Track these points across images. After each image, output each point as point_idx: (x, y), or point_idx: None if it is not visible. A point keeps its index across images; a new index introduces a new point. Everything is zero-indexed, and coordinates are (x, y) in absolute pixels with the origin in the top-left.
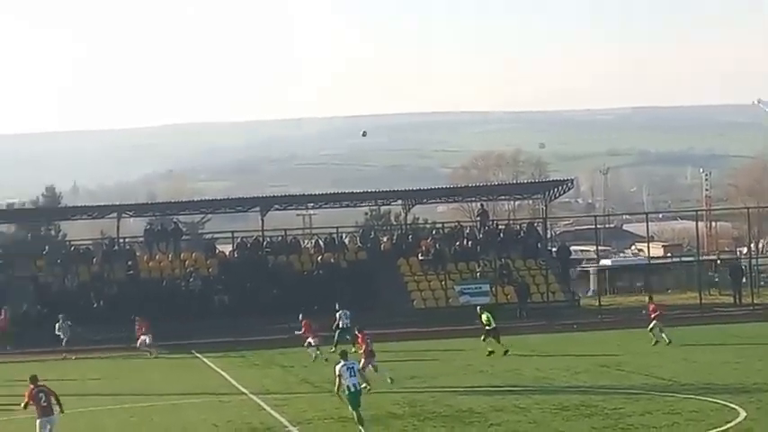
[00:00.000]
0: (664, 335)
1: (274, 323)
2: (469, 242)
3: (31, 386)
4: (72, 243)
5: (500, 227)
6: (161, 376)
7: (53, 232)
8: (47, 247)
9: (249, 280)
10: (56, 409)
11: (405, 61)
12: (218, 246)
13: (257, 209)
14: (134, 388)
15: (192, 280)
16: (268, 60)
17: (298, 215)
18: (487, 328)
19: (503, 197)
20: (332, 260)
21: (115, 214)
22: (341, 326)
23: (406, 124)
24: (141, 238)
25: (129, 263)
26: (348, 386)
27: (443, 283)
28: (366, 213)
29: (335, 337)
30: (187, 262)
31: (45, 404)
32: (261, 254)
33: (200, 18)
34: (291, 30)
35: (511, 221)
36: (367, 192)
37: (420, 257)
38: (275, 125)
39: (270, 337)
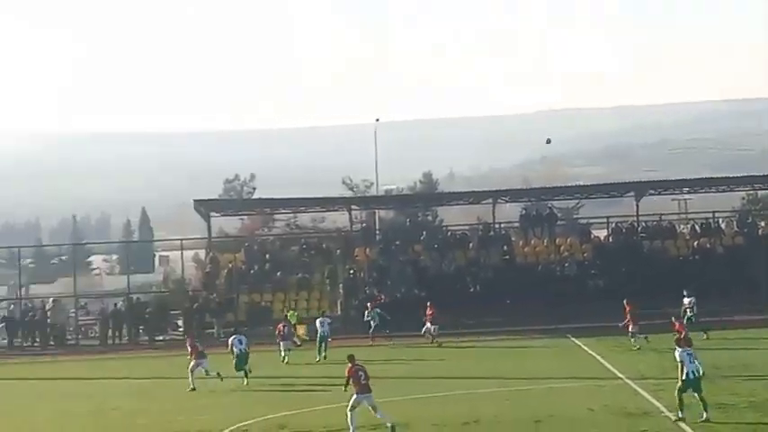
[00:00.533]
0: None
1: (649, 308)
2: None
3: (350, 365)
4: (449, 228)
5: None
6: (537, 360)
7: (430, 217)
8: (424, 233)
9: (624, 265)
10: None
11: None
12: (592, 231)
13: (632, 194)
14: (510, 372)
15: (566, 265)
16: (641, 44)
17: (673, 200)
18: None
19: None
20: (708, 245)
21: (491, 200)
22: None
23: None
24: (516, 224)
25: (505, 248)
26: (688, 372)
27: None
28: (743, 198)
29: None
30: (562, 247)
31: (364, 382)
32: (636, 239)
33: None
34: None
35: None
36: (743, 176)
37: None
38: (646, 110)
39: (646, 322)
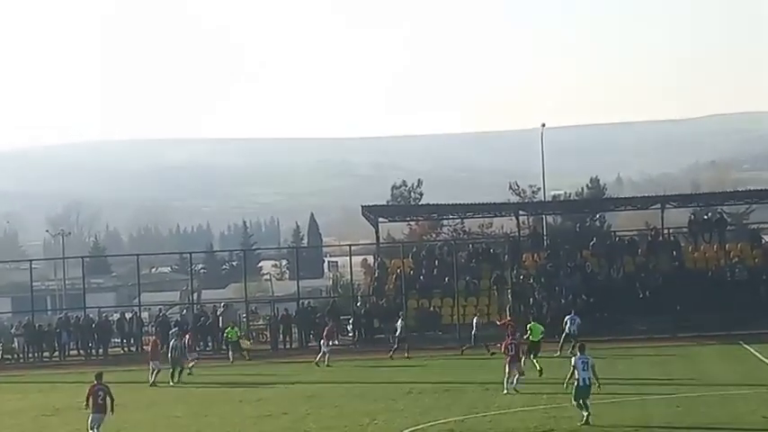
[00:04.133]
0: None
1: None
2: None
3: (93, 384)
4: (617, 233)
5: None
6: (708, 367)
7: (598, 223)
8: (593, 238)
9: None
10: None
11: None
12: (763, 236)
13: None
14: (680, 377)
15: (737, 270)
16: None
17: None
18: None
19: None
20: None
21: (659, 205)
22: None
23: None
24: (685, 229)
25: (674, 253)
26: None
27: None
28: None
29: None
30: (732, 253)
31: (101, 402)
32: None
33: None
34: None
35: None
36: None
37: None
38: None
39: None
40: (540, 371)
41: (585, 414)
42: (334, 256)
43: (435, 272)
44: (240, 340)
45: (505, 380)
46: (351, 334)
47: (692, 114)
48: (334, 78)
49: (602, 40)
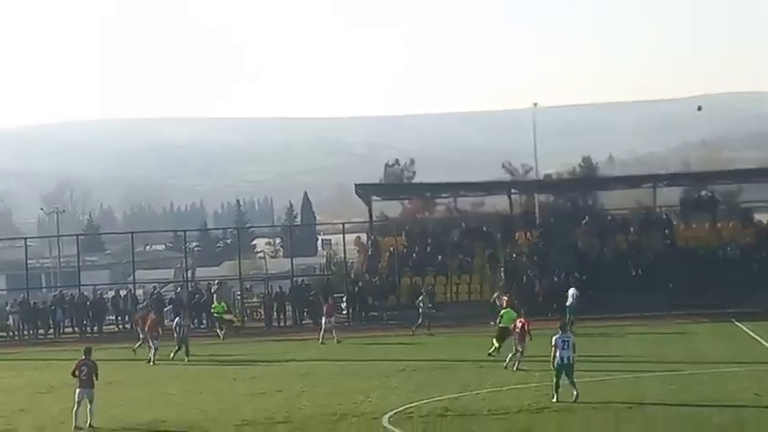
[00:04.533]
0: None
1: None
2: None
3: (80, 359)
4: (609, 212)
5: None
6: (701, 345)
7: (590, 201)
8: (585, 217)
9: None
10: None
11: None
12: (755, 215)
13: None
14: (673, 356)
15: (729, 249)
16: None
17: None
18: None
19: None
20: None
21: (651, 184)
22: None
23: None
24: (677, 208)
25: (666, 231)
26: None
27: None
28: None
29: None
30: (724, 231)
31: (85, 378)
32: None
33: None
34: None
35: None
36: None
37: None
38: None
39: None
40: (497, 349)
41: (565, 392)
42: (328, 234)
43: (428, 249)
44: (225, 314)
45: (511, 355)
46: (344, 311)
47: (681, 94)
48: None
49: (595, 20)
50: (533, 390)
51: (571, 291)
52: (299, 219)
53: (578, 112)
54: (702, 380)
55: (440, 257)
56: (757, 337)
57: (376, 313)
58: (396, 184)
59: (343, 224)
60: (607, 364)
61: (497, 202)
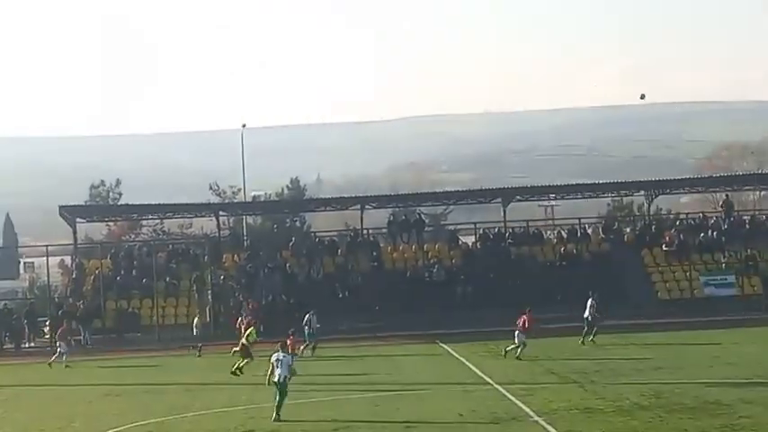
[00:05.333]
0: None
1: (517, 314)
2: (714, 233)
3: None
4: (317, 234)
5: (745, 218)
6: (406, 366)
7: (298, 223)
8: (293, 239)
9: (492, 271)
10: None
11: (643, 52)
12: (460, 237)
13: (499, 200)
14: (380, 377)
15: (435, 271)
16: (511, 51)
17: (540, 206)
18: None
19: (747, 187)
20: (575, 251)
21: (359, 206)
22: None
23: (648, 115)
24: (385, 230)
25: (374, 253)
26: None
27: (688, 274)
28: (608, 204)
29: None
30: (430, 253)
31: None
32: (503, 245)
33: (432, 9)
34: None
35: (756, 212)
36: (609, 182)
37: (664, 248)
38: (515, 117)
39: (513, 328)
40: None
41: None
42: (31, 256)
43: (134, 273)
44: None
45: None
46: (47, 336)
47: (389, 116)
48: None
49: (306, 42)
50: (241, 412)
51: (590, 301)
52: (0, 241)
53: (287, 133)
54: (408, 400)
55: (145, 280)
56: (461, 358)
57: (80, 337)
58: (101, 205)
59: (47, 246)
60: (313, 386)
61: (205, 224)
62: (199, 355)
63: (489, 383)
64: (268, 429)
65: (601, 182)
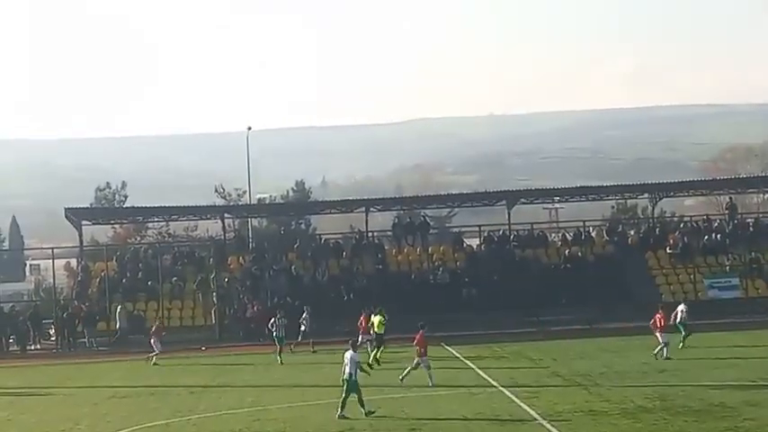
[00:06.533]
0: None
1: (522, 316)
2: (718, 236)
3: None
4: (322, 236)
5: (749, 220)
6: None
7: (303, 226)
8: (298, 241)
9: (496, 273)
10: None
11: (647, 54)
12: (465, 239)
13: (504, 203)
14: (384, 379)
15: (440, 273)
16: (515, 54)
17: (544, 209)
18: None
19: (752, 190)
20: (579, 254)
21: (364, 208)
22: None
23: (652, 117)
24: (389, 232)
25: (379, 256)
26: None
27: (692, 276)
28: (613, 207)
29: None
30: (435, 255)
31: None
32: (508, 247)
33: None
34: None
35: (761, 215)
36: (613, 185)
37: (668, 251)
38: (519, 120)
39: (518, 330)
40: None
41: (362, 409)
42: (37, 259)
43: (140, 275)
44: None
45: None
46: (53, 338)
47: (394, 119)
48: (32, 78)
49: (309, 45)
50: (245, 414)
51: (681, 306)
52: (6, 243)
53: (292, 136)
54: (412, 403)
55: (150, 282)
56: (466, 361)
57: (84, 340)
58: (107, 208)
59: (53, 249)
60: (315, 389)
61: (210, 227)
62: (313, 351)
63: (494, 386)
64: (273, 431)
65: (605, 184)
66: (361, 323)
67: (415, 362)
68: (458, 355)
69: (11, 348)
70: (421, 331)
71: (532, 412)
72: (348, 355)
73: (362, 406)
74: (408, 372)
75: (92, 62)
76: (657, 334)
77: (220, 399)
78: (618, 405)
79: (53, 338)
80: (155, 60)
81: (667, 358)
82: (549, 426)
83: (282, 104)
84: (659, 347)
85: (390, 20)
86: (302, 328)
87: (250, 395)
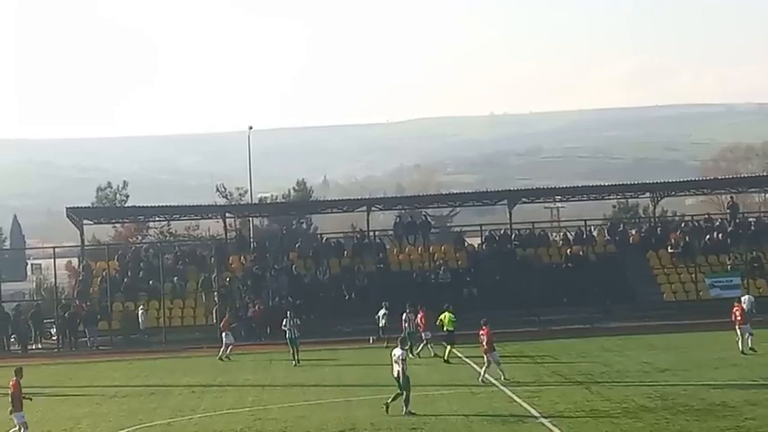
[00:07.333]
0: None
1: (523, 315)
2: (720, 235)
3: (15, 380)
4: (323, 236)
5: (750, 219)
6: (412, 367)
7: (304, 225)
8: (299, 240)
9: (498, 272)
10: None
11: (648, 54)
12: (466, 239)
13: (505, 202)
14: (385, 378)
15: (441, 272)
16: (516, 54)
17: (545, 208)
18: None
19: (753, 189)
20: (580, 253)
21: (365, 207)
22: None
23: (652, 117)
24: (391, 232)
25: (380, 255)
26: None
27: (693, 276)
28: (614, 206)
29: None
30: (436, 255)
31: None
32: (509, 247)
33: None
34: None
35: (762, 214)
36: (615, 184)
37: (669, 250)
38: (520, 119)
39: (519, 330)
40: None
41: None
42: (38, 258)
43: (141, 274)
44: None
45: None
46: (54, 338)
47: (395, 118)
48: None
49: (309, 44)
50: (247, 414)
51: (746, 297)
52: (8, 242)
53: (294, 136)
54: (414, 402)
55: (151, 282)
56: (467, 360)
57: (86, 339)
58: (108, 207)
59: (54, 248)
60: (318, 388)
61: (212, 226)
62: (386, 346)
63: (495, 385)
64: (274, 430)
65: (606, 184)
66: (420, 319)
67: (486, 360)
68: (459, 353)
69: (12, 348)
70: (485, 328)
71: (534, 411)
72: (397, 352)
73: (406, 404)
74: (485, 372)
75: (93, 63)
76: (737, 327)
77: (221, 398)
78: (619, 404)
79: (54, 338)
80: (156, 61)
81: (751, 349)
82: (549, 425)
83: (283, 104)
84: (743, 339)
85: (391, 20)
86: (381, 323)
87: (251, 394)
